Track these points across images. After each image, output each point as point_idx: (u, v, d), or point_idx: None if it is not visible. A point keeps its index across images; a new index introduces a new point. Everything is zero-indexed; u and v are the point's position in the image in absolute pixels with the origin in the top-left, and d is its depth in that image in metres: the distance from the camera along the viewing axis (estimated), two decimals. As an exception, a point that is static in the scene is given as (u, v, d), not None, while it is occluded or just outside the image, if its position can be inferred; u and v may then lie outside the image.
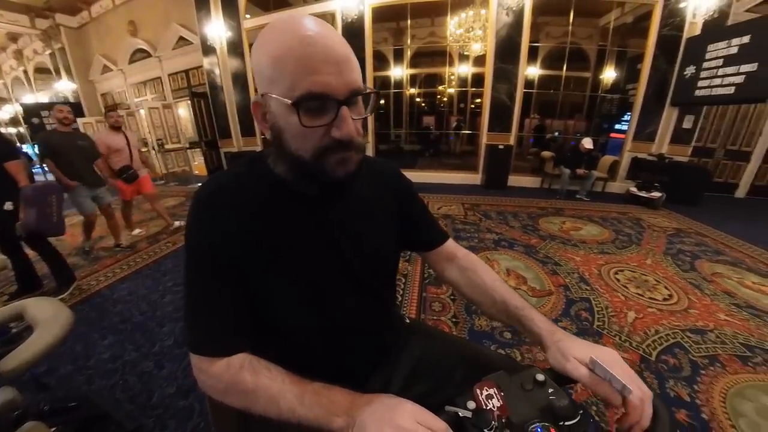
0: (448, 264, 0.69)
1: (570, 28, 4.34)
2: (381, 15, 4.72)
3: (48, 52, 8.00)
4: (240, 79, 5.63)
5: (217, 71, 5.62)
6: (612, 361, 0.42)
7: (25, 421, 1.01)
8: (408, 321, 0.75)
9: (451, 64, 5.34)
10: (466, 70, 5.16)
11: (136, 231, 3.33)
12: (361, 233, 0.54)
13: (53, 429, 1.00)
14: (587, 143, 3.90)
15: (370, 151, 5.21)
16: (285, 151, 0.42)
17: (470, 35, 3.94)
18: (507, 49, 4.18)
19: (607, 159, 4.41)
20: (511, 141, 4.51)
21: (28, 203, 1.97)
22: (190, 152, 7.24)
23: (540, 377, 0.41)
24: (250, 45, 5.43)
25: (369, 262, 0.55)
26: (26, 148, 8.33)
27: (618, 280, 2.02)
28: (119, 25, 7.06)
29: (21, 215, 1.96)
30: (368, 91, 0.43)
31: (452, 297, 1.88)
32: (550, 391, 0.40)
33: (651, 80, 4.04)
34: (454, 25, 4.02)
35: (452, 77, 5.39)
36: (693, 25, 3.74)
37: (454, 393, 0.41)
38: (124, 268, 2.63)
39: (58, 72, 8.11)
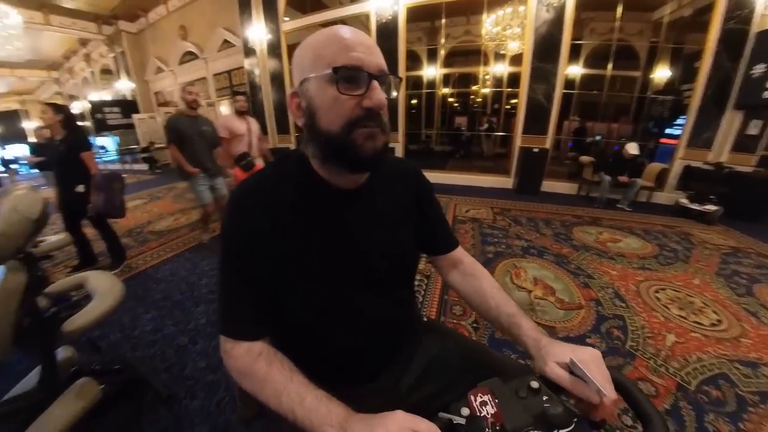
0: (453, 269, 0.72)
1: (618, 23, 4.04)
2: (416, 14, 4.70)
3: (111, 55, 8.89)
4: (277, 79, 5.89)
5: (256, 72, 5.93)
6: (591, 361, 0.42)
7: (79, 376, 1.19)
8: (425, 320, 0.77)
9: (486, 63, 5.20)
10: (501, 69, 5.01)
11: None
12: (381, 232, 0.57)
13: (101, 386, 1.16)
14: (632, 148, 3.62)
15: (399, 151, 5.23)
16: (317, 130, 0.46)
17: (507, 33, 3.81)
18: (546, 48, 3.98)
19: (655, 166, 4.01)
20: (547, 144, 4.31)
21: (98, 188, 2.26)
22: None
23: (534, 384, 0.41)
24: (288, 46, 5.66)
25: (388, 260, 0.58)
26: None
27: (658, 299, 1.89)
28: (171, 29, 7.66)
29: (92, 198, 2.25)
30: (395, 76, 0.49)
31: (476, 305, 1.88)
32: (545, 398, 0.40)
33: (711, 80, 3.64)
34: (490, 23, 3.91)
35: (487, 77, 5.25)
36: (765, 18, 3.32)
37: (462, 395, 0.42)
38: (167, 251, 2.91)
39: (118, 73, 8.99)
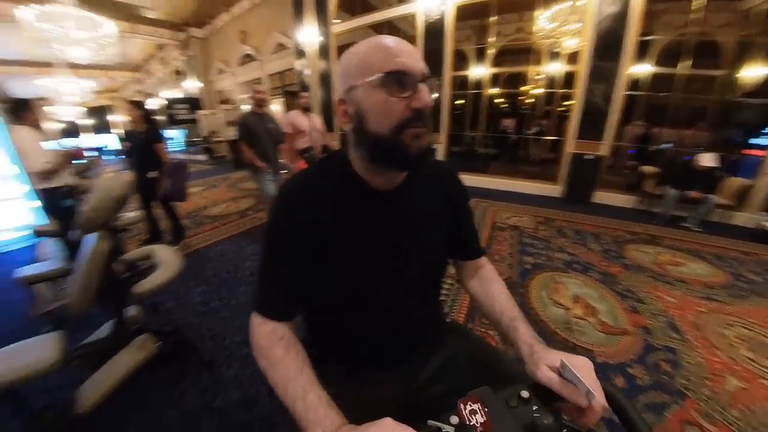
0: (474, 275, 0.72)
1: (697, 15, 3.51)
2: (465, 13, 4.58)
3: (182, 58, 10.03)
4: (325, 79, 6.16)
5: (306, 72, 6.26)
6: (582, 366, 0.43)
7: (141, 333, 1.39)
8: (449, 322, 0.79)
9: (539, 62, 4.89)
10: (556, 68, 4.67)
11: None
12: (413, 232, 0.59)
13: (157, 344, 1.34)
14: (706, 159, 3.14)
15: (441, 152, 5.15)
16: (366, 133, 0.49)
17: (564, 30, 3.54)
18: (608, 45, 3.60)
19: (735, 182, 3.39)
20: (603, 151, 3.92)
21: (167, 175, 2.63)
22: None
23: (525, 394, 0.41)
24: (337, 48, 5.89)
25: (418, 260, 0.60)
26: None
27: (724, 335, 1.64)
28: (233, 34, 8.41)
29: (162, 183, 2.63)
30: (436, 79, 0.54)
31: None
32: (535, 408, 0.40)
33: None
34: (545, 19, 3.66)
35: (538, 77, 4.94)
36: None
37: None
38: (219, 234, 3.24)
39: (187, 73, 10.10)
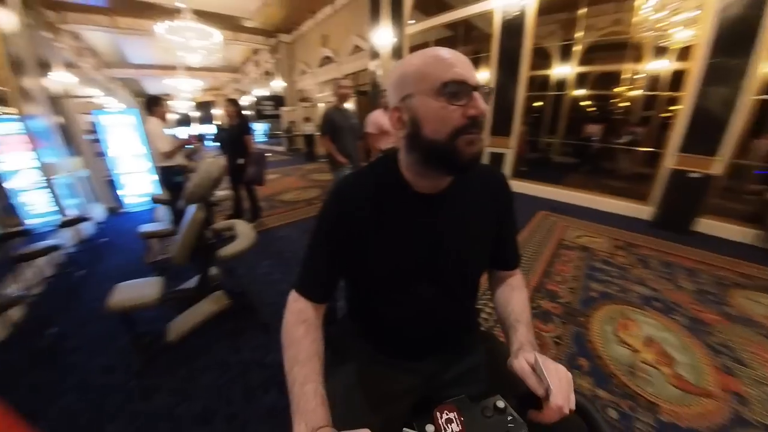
0: (503, 282, 0.72)
1: None
2: (550, 6, 4.18)
3: (272, 60, 11.34)
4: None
5: (379, 73, 6.51)
6: (555, 369, 0.46)
7: (218, 289, 1.68)
8: (484, 329, 0.79)
9: (639, 59, 4.19)
10: (659, 66, 3.94)
11: None
12: (455, 237, 0.61)
13: (228, 301, 1.61)
14: None
15: (510, 158, 4.82)
16: (421, 139, 0.51)
17: (676, 20, 2.95)
18: (735, 37, 2.86)
19: None
20: (716, 169, 3.17)
21: (253, 162, 3.11)
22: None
23: (500, 404, 0.41)
24: (410, 48, 5.97)
25: (457, 264, 0.62)
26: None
27: None
28: (315, 38, 9.19)
29: (248, 169, 3.11)
30: (487, 87, 0.53)
31: (557, 340, 1.64)
32: (509, 418, 0.40)
33: None
34: (651, 7, 3.08)
35: (638, 76, 4.23)
36: None
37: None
38: (288, 218, 3.67)
39: (275, 74, 11.40)
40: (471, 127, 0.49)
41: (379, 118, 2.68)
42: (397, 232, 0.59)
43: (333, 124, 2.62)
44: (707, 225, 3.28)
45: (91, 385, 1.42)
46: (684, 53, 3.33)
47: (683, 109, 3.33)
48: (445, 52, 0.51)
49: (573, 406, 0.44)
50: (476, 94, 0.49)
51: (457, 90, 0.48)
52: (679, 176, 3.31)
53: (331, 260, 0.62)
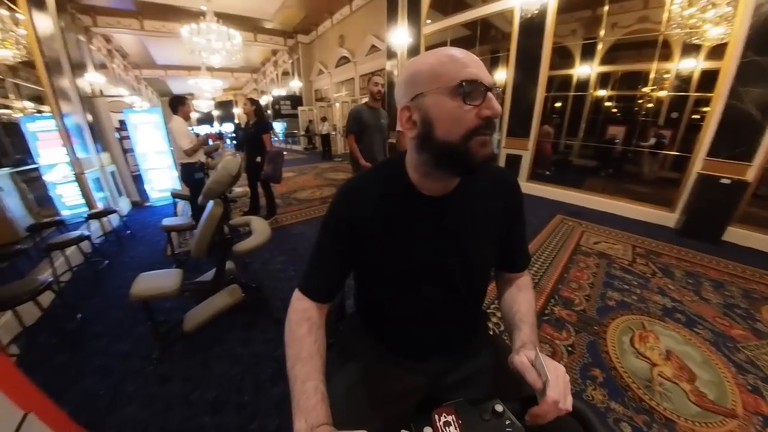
0: (510, 284, 0.71)
1: None
2: (572, 4, 4.06)
3: (290, 61, 11.56)
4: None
5: (395, 72, 6.51)
6: (555, 368, 0.47)
7: (232, 282, 1.73)
8: (491, 333, 0.78)
9: (667, 58, 3.99)
10: (689, 65, 3.74)
11: None
12: (463, 236, 0.61)
13: (242, 294, 1.65)
14: None
15: (527, 160, 4.73)
16: (433, 140, 0.50)
17: (708, 17, 2.79)
18: None
19: None
20: (749, 175, 2.99)
21: (270, 160, 3.18)
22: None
23: (499, 408, 0.41)
24: (427, 48, 5.94)
25: (464, 264, 0.62)
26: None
27: None
28: (333, 39, 9.29)
29: (265, 167, 3.18)
30: (499, 88, 0.53)
31: (570, 349, 1.59)
32: (507, 422, 0.40)
33: None
34: (681, 3, 2.94)
35: (666, 76, 4.03)
36: None
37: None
38: (303, 215, 3.73)
39: (293, 74, 11.61)
40: (485, 128, 0.49)
41: None
42: (404, 234, 0.59)
43: (360, 122, 2.41)
44: (739, 235, 3.09)
45: (112, 369, 1.50)
46: (715, 52, 3.15)
47: (714, 111, 3.16)
48: (458, 52, 0.50)
49: (569, 407, 0.44)
50: (491, 95, 0.48)
51: (472, 90, 0.47)
52: (708, 182, 3.14)
53: (335, 261, 0.62)
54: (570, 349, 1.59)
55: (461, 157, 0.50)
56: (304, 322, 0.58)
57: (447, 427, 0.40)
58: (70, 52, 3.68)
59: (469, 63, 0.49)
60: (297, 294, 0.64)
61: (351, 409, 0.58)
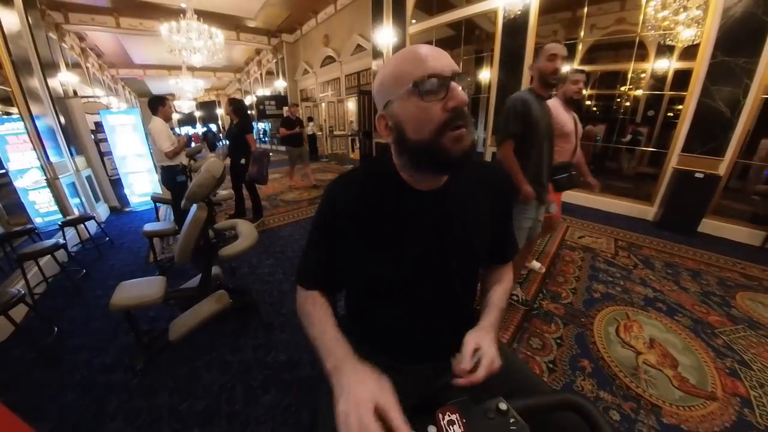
0: (493, 275, 0.74)
1: None
2: (553, 4, 4.17)
3: (274, 60, 11.36)
4: (395, 79, 6.31)
5: (379, 72, 6.51)
6: (485, 354, 0.53)
7: (219, 288, 1.68)
8: None
9: (644, 58, 4.16)
10: (664, 65, 3.91)
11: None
12: (456, 228, 0.60)
13: (230, 300, 1.61)
14: None
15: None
16: (406, 142, 0.51)
17: (680, 19, 2.92)
18: (740, 34, 2.82)
19: None
20: (721, 169, 3.15)
21: (254, 161, 3.10)
22: (350, 139, 8.88)
23: (503, 406, 0.41)
24: (410, 48, 5.96)
25: (459, 257, 0.61)
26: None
27: None
28: (318, 38, 9.19)
29: (249, 168, 3.11)
30: (465, 75, 0.51)
31: (559, 341, 1.63)
32: (512, 420, 0.40)
33: None
34: (655, 6, 3.07)
35: (642, 76, 4.20)
36: None
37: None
38: (290, 217, 3.66)
39: (277, 74, 11.42)
40: (455, 120, 0.47)
41: (557, 113, 1.64)
42: (397, 229, 0.58)
43: (527, 117, 1.40)
44: (712, 226, 3.25)
45: (94, 383, 1.43)
46: (688, 52, 3.30)
47: (688, 109, 3.31)
48: (416, 49, 0.49)
49: (476, 379, 0.50)
50: (454, 85, 0.47)
51: (431, 85, 0.46)
52: (683, 176, 3.29)
53: (325, 257, 0.63)
54: (559, 341, 1.63)
55: (436, 154, 0.49)
56: (309, 302, 0.64)
57: (451, 426, 0.39)
58: (40, 51, 3.48)
59: (426, 57, 0.48)
60: (298, 289, 0.68)
61: None
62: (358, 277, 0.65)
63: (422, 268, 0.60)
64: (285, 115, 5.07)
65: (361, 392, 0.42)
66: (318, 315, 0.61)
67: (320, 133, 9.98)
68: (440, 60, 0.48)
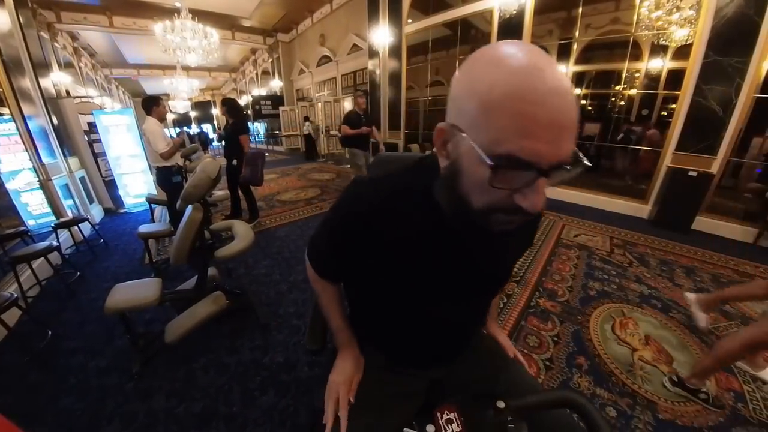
0: None
1: None
2: (548, 4, 4.19)
3: (270, 60, 11.30)
4: (394, 79, 6.31)
5: (377, 72, 6.50)
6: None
7: (216, 289, 1.67)
8: (484, 331, 0.79)
9: (638, 58, 4.20)
10: (657, 65, 3.95)
11: None
12: (479, 266, 0.54)
13: (227, 301, 1.60)
14: None
15: None
16: (455, 188, 0.40)
17: (673, 19, 2.96)
18: (733, 34, 2.85)
19: None
20: (714, 167, 3.19)
21: (248, 162, 3.08)
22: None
23: (500, 405, 0.41)
24: (408, 47, 5.96)
25: (482, 286, 0.59)
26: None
27: None
28: (313, 37, 9.16)
29: (243, 169, 3.08)
30: (580, 161, 0.36)
31: (556, 338, 1.64)
32: (510, 419, 0.40)
33: None
34: (649, 6, 3.10)
35: (636, 75, 4.24)
36: None
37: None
38: (287, 217, 3.63)
39: (273, 74, 11.36)
40: (513, 212, 0.37)
41: None
42: (419, 251, 0.51)
43: None
44: (706, 223, 3.29)
45: (89, 386, 1.42)
46: (681, 52, 3.33)
47: (681, 108, 3.35)
48: (538, 97, 0.30)
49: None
50: (541, 183, 0.34)
51: (516, 175, 0.33)
52: (677, 175, 3.32)
53: (335, 257, 0.59)
54: (555, 339, 1.64)
55: (476, 221, 0.41)
56: (318, 281, 0.68)
57: (449, 425, 0.40)
58: (32, 50, 3.43)
59: (537, 131, 0.31)
60: (309, 263, 0.68)
61: (350, 417, 0.57)
62: (367, 289, 0.60)
63: (441, 292, 0.55)
64: (352, 108, 3.75)
65: (344, 371, 0.64)
66: (327, 298, 0.68)
67: (322, 135, 9.67)
68: (555, 140, 0.32)
